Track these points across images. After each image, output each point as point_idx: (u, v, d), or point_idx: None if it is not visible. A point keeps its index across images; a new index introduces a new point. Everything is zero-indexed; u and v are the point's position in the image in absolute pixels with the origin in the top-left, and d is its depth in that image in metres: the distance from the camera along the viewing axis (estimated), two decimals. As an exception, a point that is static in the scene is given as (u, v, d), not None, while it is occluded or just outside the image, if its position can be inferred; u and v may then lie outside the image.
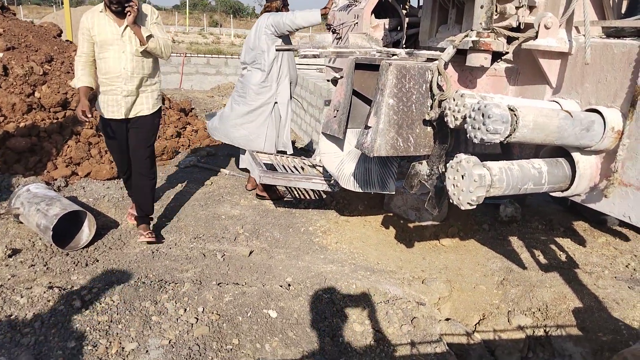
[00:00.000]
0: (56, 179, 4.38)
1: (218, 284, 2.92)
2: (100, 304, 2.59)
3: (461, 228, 4.17)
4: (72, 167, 4.58)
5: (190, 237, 3.67)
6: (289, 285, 3.06)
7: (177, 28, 40.29)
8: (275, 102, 4.40)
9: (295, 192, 4.83)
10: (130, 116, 3.44)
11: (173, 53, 13.75)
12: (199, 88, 12.62)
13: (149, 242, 3.51)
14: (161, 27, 3.42)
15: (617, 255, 3.79)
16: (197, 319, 2.56)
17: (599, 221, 4.29)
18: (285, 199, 4.65)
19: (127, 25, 3.21)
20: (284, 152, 4.60)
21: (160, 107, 3.58)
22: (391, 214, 4.34)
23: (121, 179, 3.97)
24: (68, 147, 4.73)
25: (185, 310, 2.62)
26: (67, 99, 5.09)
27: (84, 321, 2.44)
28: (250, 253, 3.52)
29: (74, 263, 3.11)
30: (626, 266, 3.64)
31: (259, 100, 4.38)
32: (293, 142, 7.34)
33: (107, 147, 3.75)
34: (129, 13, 3.16)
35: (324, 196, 4.67)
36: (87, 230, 3.37)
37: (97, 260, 3.19)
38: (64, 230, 3.34)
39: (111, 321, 2.47)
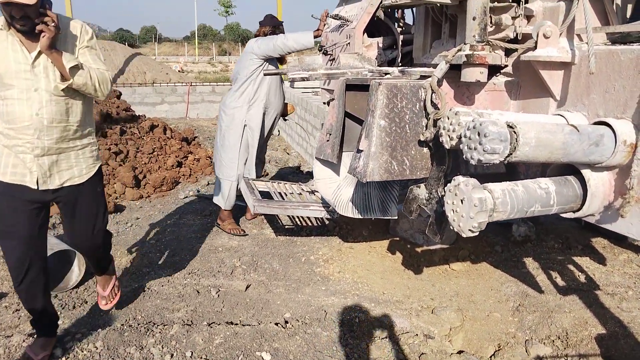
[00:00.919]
0: (51, 216, 4.28)
1: (209, 325, 2.75)
2: (82, 351, 2.44)
3: (472, 251, 3.97)
4: (68, 203, 4.48)
5: (185, 272, 3.51)
6: (286, 322, 2.87)
7: (187, 58, 41.09)
8: (245, 126, 4.21)
9: (297, 220, 4.66)
10: (52, 187, 2.29)
11: (179, 82, 13.88)
12: (204, 116, 12.66)
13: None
14: (96, 52, 2.38)
15: (640, 274, 3.55)
16: (184, 365, 2.38)
17: (619, 237, 4.06)
18: (242, 235, 4.28)
19: (40, 51, 2.15)
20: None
21: (100, 167, 2.52)
22: (397, 239, 4.15)
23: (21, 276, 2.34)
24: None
25: (172, 355, 2.44)
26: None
27: (63, 371, 2.28)
28: (247, 287, 3.34)
29: (61, 306, 2.96)
30: (652, 286, 3.40)
31: (227, 120, 4.20)
32: (298, 167, 7.25)
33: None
34: (42, 34, 2.10)
35: (327, 222, 4.50)
36: (77, 270, 3.24)
37: (86, 302, 3.04)
38: (53, 271, 3.20)
39: (92, 371, 2.31)
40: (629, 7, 2.25)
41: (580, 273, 3.61)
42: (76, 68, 2.18)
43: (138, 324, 2.71)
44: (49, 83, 2.19)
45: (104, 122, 6.23)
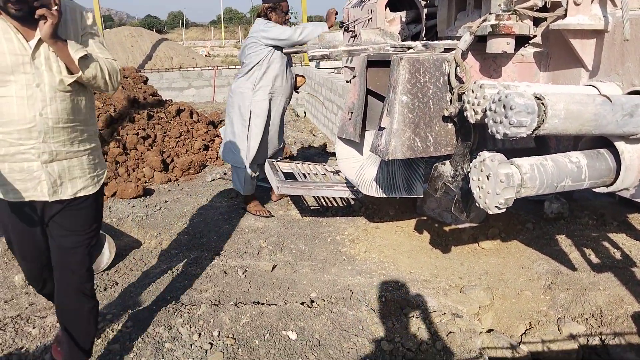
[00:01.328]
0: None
1: (236, 305, 2.78)
2: (113, 331, 2.51)
3: (502, 228, 3.88)
4: (99, 188, 4.59)
5: (212, 253, 3.55)
6: (312, 301, 2.88)
7: (214, 42, 41.27)
8: (251, 112, 4.11)
9: (322, 200, 4.65)
10: (64, 197, 1.96)
11: (205, 67, 13.92)
12: (231, 99, 12.70)
13: None
14: (100, 39, 2.01)
15: (679, 251, 3.41)
16: (212, 344, 2.42)
17: (657, 213, 3.91)
18: (268, 216, 4.29)
19: (40, 39, 1.79)
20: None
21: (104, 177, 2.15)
22: (425, 218, 4.09)
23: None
24: (95, 167, 4.74)
25: (200, 335, 2.49)
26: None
27: (95, 350, 2.34)
28: (273, 268, 3.36)
29: (93, 287, 3.05)
30: (692, 263, 3.26)
31: (235, 106, 4.15)
32: (324, 147, 7.21)
33: (9, 247, 2.12)
34: (43, 19, 1.74)
35: (352, 202, 4.47)
36: (107, 253, 3.31)
37: (117, 283, 3.12)
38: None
39: (123, 350, 2.37)
40: (669, -33, 2.10)
41: (615, 250, 3.49)
42: (86, 59, 1.85)
43: (167, 305, 2.77)
44: (53, 77, 1.84)
45: (132, 107, 6.31)
